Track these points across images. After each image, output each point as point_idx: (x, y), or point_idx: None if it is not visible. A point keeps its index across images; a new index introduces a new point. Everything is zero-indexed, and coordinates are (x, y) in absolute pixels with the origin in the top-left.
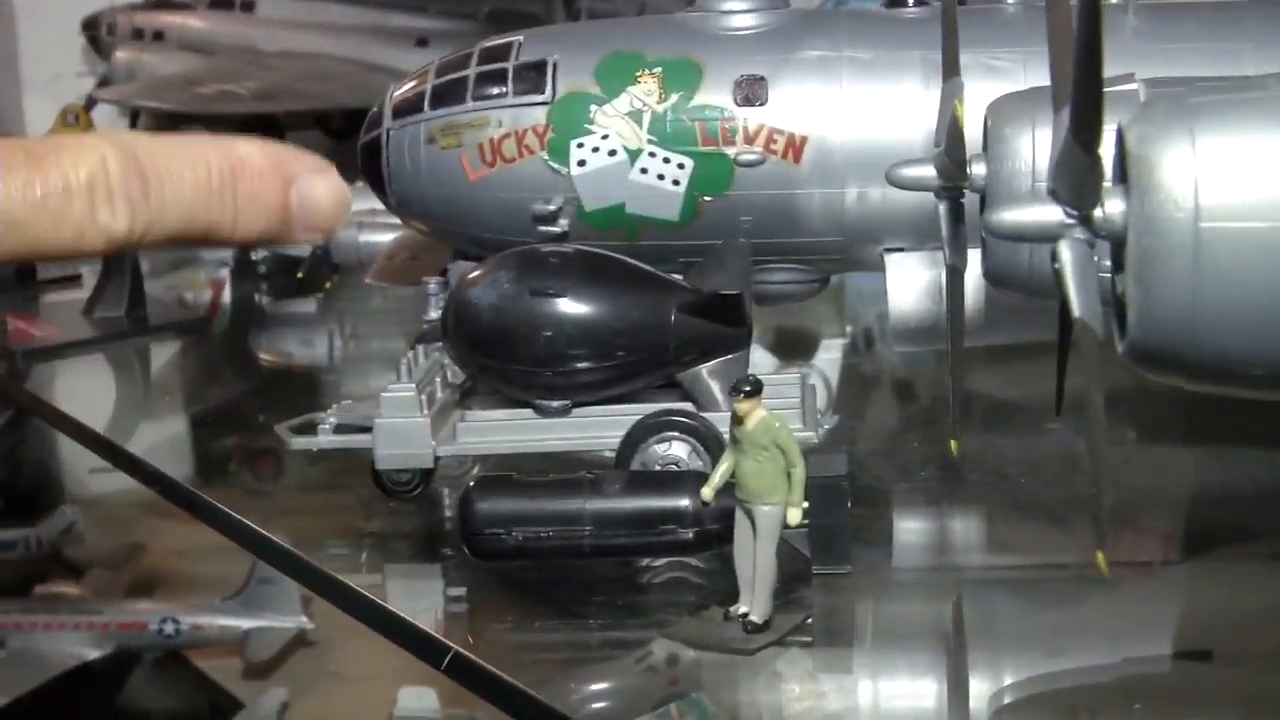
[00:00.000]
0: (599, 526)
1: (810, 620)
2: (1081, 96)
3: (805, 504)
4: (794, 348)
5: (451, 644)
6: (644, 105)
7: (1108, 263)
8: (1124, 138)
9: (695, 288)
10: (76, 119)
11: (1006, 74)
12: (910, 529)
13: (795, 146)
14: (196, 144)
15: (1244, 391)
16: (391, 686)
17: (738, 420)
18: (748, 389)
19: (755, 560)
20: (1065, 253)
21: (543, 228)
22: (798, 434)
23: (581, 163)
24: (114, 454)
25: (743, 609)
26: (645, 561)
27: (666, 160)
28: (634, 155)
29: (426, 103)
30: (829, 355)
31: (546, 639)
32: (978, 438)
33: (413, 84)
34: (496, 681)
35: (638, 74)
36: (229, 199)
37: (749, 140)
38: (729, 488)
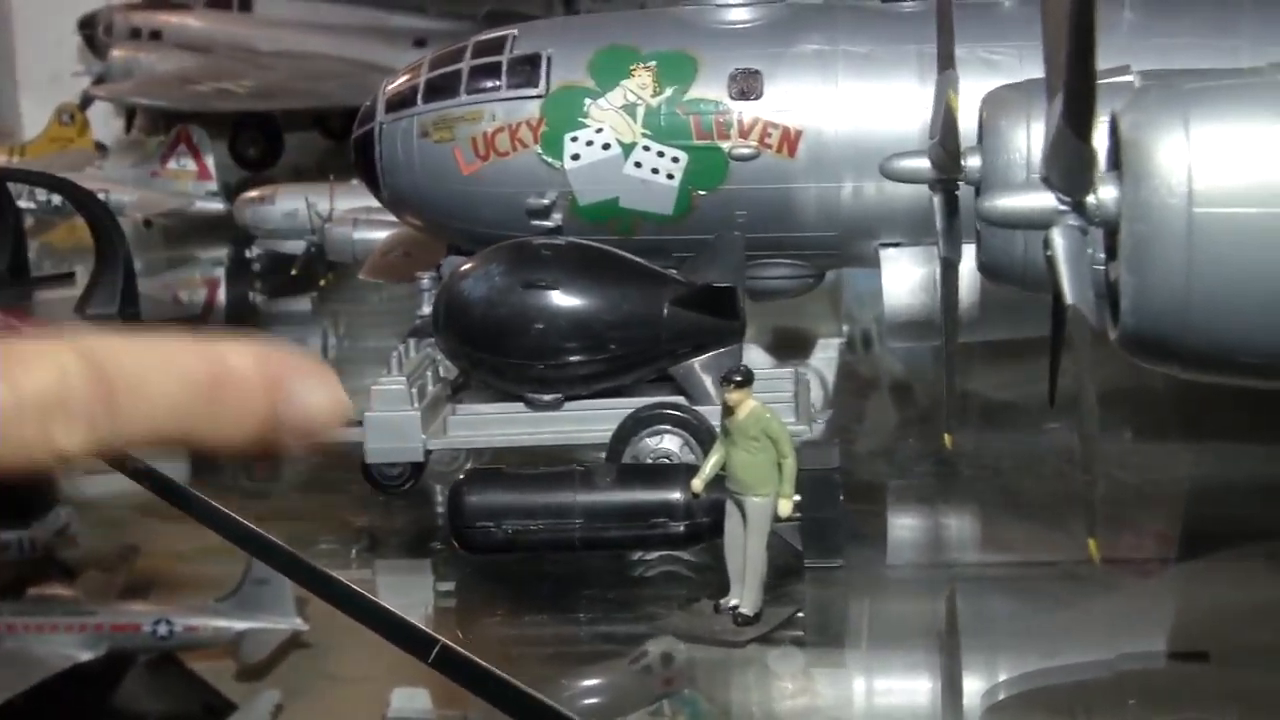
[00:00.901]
0: (590, 520)
1: (801, 614)
2: (1074, 81)
3: (797, 496)
4: (790, 347)
5: (439, 637)
6: (638, 99)
7: (1101, 256)
8: (1117, 124)
9: (688, 281)
10: (71, 118)
11: (1002, 68)
12: (904, 525)
13: (790, 141)
14: (177, 351)
15: (1238, 380)
16: (385, 689)
17: (728, 411)
18: (738, 379)
19: (746, 552)
20: (1058, 240)
21: (536, 222)
22: (791, 428)
23: (575, 156)
24: None
25: (733, 602)
26: (637, 555)
27: (660, 154)
28: (628, 149)
29: (420, 96)
30: (825, 354)
31: (536, 633)
32: (975, 435)
33: (406, 78)
34: (483, 674)
35: (632, 68)
36: (206, 410)
37: (744, 134)
38: (720, 480)
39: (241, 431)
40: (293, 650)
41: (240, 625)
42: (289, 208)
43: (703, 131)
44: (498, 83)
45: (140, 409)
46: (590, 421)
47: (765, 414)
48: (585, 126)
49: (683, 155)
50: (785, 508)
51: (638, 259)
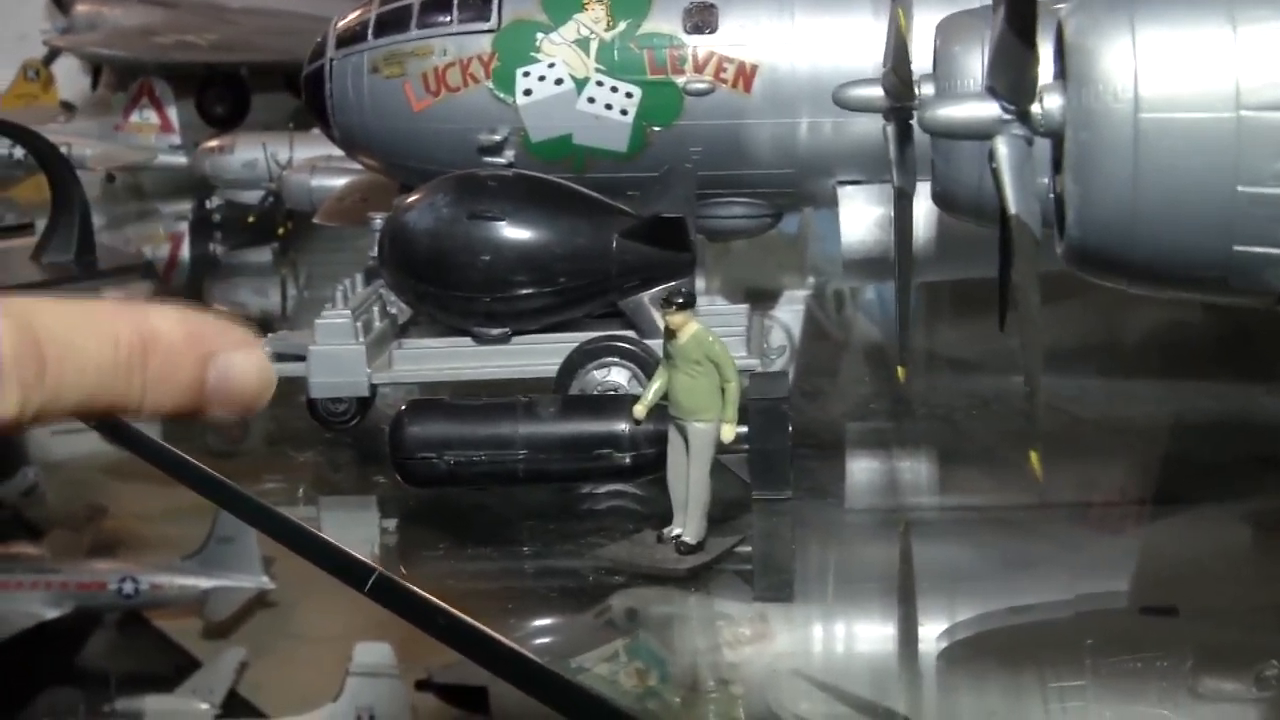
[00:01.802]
0: (533, 451)
1: (747, 545)
2: None
3: (743, 427)
4: (756, 301)
5: (375, 566)
6: (591, 33)
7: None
8: (1062, 30)
9: (638, 213)
10: (37, 74)
11: None
12: (861, 468)
13: (746, 75)
14: (106, 315)
15: (1185, 294)
16: (349, 646)
17: (670, 334)
18: (680, 300)
19: (689, 480)
20: (1002, 149)
21: (488, 159)
22: (741, 361)
23: (527, 92)
24: None
25: (676, 530)
26: (586, 489)
27: (614, 89)
28: (581, 84)
29: (370, 31)
30: (792, 307)
31: (479, 567)
32: (931, 379)
33: (357, 14)
34: (420, 603)
35: (585, 1)
36: (136, 377)
37: (698, 69)
38: (665, 409)
39: (169, 398)
40: (259, 610)
41: (206, 583)
42: (248, 157)
43: (657, 66)
44: (449, 17)
45: (70, 374)
46: (538, 355)
47: (708, 337)
48: (537, 61)
49: (636, 90)
50: (728, 433)
51: (586, 190)
